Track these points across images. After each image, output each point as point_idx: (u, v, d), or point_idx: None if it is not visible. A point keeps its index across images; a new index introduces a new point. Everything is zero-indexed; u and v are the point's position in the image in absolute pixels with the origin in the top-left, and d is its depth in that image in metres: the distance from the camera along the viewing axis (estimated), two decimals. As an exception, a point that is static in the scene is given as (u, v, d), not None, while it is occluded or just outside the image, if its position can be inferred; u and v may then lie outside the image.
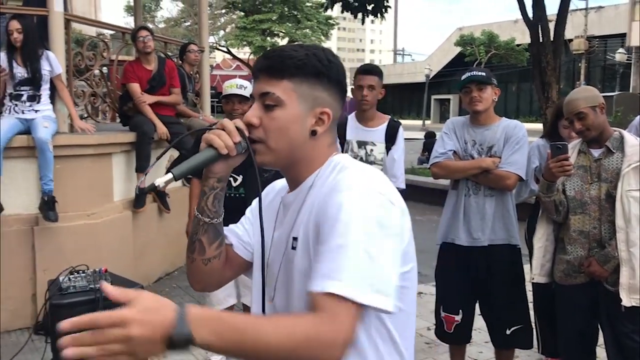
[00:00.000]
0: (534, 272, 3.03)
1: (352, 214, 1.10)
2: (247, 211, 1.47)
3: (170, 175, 1.16)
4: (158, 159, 1.39)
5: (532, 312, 3.53)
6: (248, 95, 3.65)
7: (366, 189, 1.15)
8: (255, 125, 1.23)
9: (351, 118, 3.67)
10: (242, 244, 1.41)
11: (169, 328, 0.95)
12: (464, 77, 3.18)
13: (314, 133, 1.25)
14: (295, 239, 1.24)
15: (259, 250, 1.35)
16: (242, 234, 1.42)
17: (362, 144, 3.60)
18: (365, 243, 1.08)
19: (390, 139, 3.58)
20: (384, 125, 3.62)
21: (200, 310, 0.99)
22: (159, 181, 1.16)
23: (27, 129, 4.54)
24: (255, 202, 1.41)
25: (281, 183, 1.42)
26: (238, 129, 1.22)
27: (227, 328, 0.98)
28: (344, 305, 1.03)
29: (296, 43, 1.48)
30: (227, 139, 1.21)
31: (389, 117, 3.71)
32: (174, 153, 5.83)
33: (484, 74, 3.16)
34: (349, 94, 3.43)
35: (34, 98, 4.62)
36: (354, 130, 3.60)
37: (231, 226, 1.43)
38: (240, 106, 3.64)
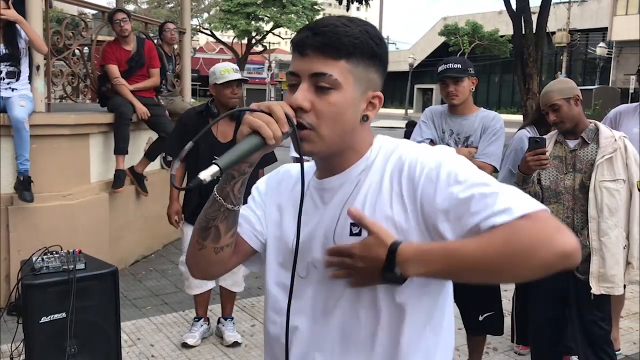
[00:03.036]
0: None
1: (455, 164, 1.10)
2: (256, 195, 1.36)
3: (216, 168, 1.01)
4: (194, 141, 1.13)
5: (507, 301, 3.58)
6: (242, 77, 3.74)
7: (444, 152, 1.14)
8: (307, 110, 1.10)
9: None
10: (254, 233, 1.31)
11: (380, 267, 1.06)
12: (440, 69, 3.20)
13: (365, 118, 1.16)
14: (355, 224, 1.14)
15: (277, 238, 1.29)
16: (255, 222, 1.31)
17: None
18: (485, 179, 1.07)
19: None
20: None
21: (411, 248, 1.05)
22: (205, 175, 1.00)
23: (2, 107, 4.46)
24: (263, 186, 1.36)
25: (296, 168, 1.31)
26: (287, 116, 1.08)
27: (434, 258, 1.03)
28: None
29: (340, 15, 1.29)
30: (276, 128, 1.06)
31: None
32: (152, 135, 5.79)
33: (459, 65, 3.17)
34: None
35: (14, 75, 4.54)
36: None
37: (242, 212, 1.29)
38: (238, 90, 3.67)
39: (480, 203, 1.03)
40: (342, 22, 1.12)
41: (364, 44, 1.12)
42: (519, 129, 3.60)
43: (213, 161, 1.02)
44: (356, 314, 1.17)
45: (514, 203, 1.01)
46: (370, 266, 1.07)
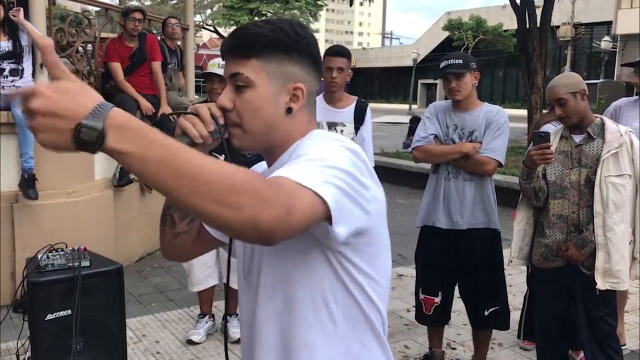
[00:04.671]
0: (513, 255, 3.07)
1: (312, 143, 1.14)
2: None
3: None
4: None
5: (512, 296, 3.58)
6: None
7: (346, 141, 1.15)
8: (229, 109, 1.19)
9: (320, 100, 3.68)
10: None
11: (80, 115, 0.85)
12: (441, 65, 3.18)
13: (289, 110, 1.21)
14: None
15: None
16: None
17: (332, 125, 3.61)
18: (324, 156, 1.06)
19: (359, 119, 3.62)
20: (352, 106, 3.65)
21: (128, 115, 0.89)
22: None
23: (7, 105, 4.47)
24: None
25: (264, 165, 1.37)
26: (212, 116, 1.16)
27: (155, 141, 0.88)
28: (299, 187, 0.97)
29: (263, 18, 1.37)
30: (201, 128, 1.15)
31: (357, 97, 3.73)
32: (156, 132, 5.79)
33: (461, 61, 3.15)
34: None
35: (17, 72, 4.55)
36: (323, 111, 3.60)
37: None
38: (220, 85, 3.64)
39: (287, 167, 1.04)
40: (257, 24, 1.20)
41: (274, 41, 1.18)
42: (543, 124, 3.59)
43: None
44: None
45: (302, 172, 1.00)
46: (64, 115, 0.85)
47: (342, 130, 3.60)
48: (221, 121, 1.17)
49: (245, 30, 1.20)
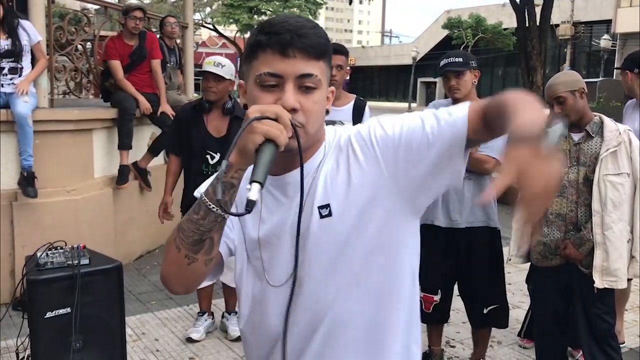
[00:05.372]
0: (511, 253, 3.07)
1: (386, 118, 1.22)
2: None
3: (258, 185, 1.02)
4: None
5: (511, 294, 3.58)
6: (224, 74, 3.62)
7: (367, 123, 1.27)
8: (298, 110, 1.14)
9: None
10: (226, 242, 1.29)
11: None
12: (441, 63, 3.19)
13: (327, 112, 1.25)
14: (323, 207, 1.20)
15: (242, 242, 1.30)
16: (228, 230, 1.29)
17: (330, 123, 3.59)
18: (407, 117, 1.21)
19: (357, 117, 3.62)
20: (351, 104, 3.65)
21: None
22: (255, 196, 1.01)
23: (6, 103, 4.47)
24: None
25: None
26: (290, 122, 1.09)
27: None
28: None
29: (292, 15, 1.33)
30: (286, 136, 1.07)
31: (355, 96, 3.73)
32: (155, 130, 5.80)
33: (461, 59, 3.15)
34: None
35: (16, 70, 4.55)
36: None
37: None
38: (214, 84, 3.62)
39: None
40: (309, 24, 1.17)
41: (328, 44, 1.20)
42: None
43: (252, 180, 1.03)
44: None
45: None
46: None
47: None
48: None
49: (309, 30, 1.15)
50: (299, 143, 1.11)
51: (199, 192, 1.27)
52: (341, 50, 3.60)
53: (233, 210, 1.19)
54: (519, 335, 3.91)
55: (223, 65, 3.62)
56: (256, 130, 1.05)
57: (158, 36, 6.22)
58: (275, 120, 1.06)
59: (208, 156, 3.62)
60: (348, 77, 3.66)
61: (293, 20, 1.17)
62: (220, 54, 4.74)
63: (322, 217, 1.20)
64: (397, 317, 1.26)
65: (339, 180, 1.21)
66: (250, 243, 1.29)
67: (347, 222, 1.19)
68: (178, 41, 6.74)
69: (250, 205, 1.01)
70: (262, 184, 1.03)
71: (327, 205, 1.19)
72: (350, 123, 3.61)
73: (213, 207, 1.12)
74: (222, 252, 1.28)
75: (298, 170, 1.19)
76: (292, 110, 1.12)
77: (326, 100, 1.24)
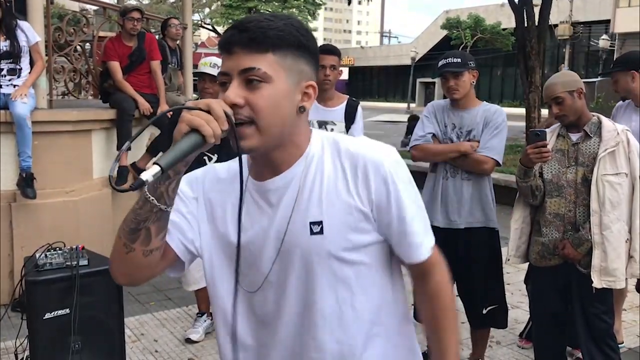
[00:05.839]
0: (510, 253, 3.07)
1: (406, 186, 1.23)
2: (182, 197, 1.28)
3: (157, 168, 1.02)
4: (131, 141, 1.20)
5: (510, 294, 3.59)
6: None
7: (394, 153, 1.25)
8: (241, 106, 1.11)
9: None
10: (182, 241, 1.27)
11: None
12: (439, 64, 3.19)
13: (302, 109, 1.17)
14: (315, 223, 1.19)
15: (212, 246, 1.28)
16: (186, 229, 1.27)
17: (322, 124, 3.61)
18: (418, 200, 1.28)
19: (350, 118, 3.61)
20: (343, 105, 3.65)
21: None
22: (147, 175, 1.01)
23: (4, 104, 4.47)
24: (185, 186, 1.29)
25: (220, 166, 1.31)
26: (226, 113, 1.07)
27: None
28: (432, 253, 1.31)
29: (263, 12, 1.31)
30: (216, 126, 1.05)
31: (347, 96, 3.73)
32: (154, 131, 5.80)
33: (459, 60, 3.15)
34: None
35: (14, 72, 4.55)
36: (313, 110, 3.60)
37: (172, 218, 1.23)
38: (211, 85, 3.63)
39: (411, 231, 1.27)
40: (266, 17, 1.14)
41: (289, 36, 1.13)
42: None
43: (153, 161, 1.03)
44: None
45: (424, 238, 1.30)
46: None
47: (332, 129, 3.59)
48: (233, 119, 1.10)
49: (258, 23, 1.13)
50: (236, 137, 1.09)
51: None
52: (334, 50, 3.61)
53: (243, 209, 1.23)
54: (520, 336, 3.91)
55: (219, 67, 3.62)
56: (183, 119, 1.07)
57: (158, 37, 6.22)
58: (207, 112, 1.06)
59: (205, 157, 3.62)
60: (346, 78, 3.65)
61: (255, 16, 1.16)
62: (219, 55, 4.72)
63: (312, 233, 1.19)
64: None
65: (340, 201, 1.20)
66: (226, 247, 1.27)
67: (337, 244, 1.20)
68: (178, 42, 6.74)
69: (137, 184, 1.00)
70: (162, 168, 1.02)
71: (320, 223, 1.19)
72: (343, 124, 3.60)
73: (149, 197, 1.14)
74: (177, 249, 1.26)
75: (280, 176, 1.21)
76: (235, 106, 1.10)
77: (295, 95, 1.16)
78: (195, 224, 1.29)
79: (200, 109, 1.06)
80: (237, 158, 1.13)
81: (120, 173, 5.28)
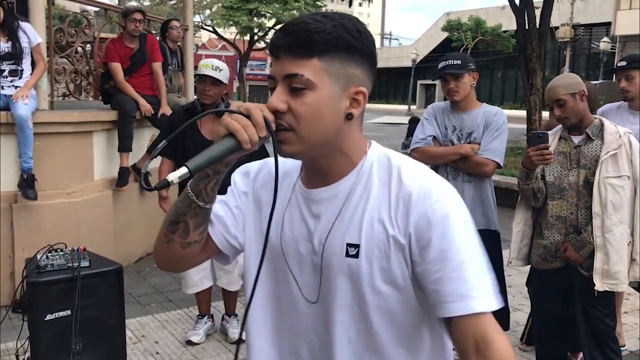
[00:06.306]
0: (512, 256, 3.07)
1: (460, 226, 1.08)
2: (233, 189, 1.29)
3: (184, 170, 1.00)
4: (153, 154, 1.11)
5: (512, 297, 3.58)
6: (222, 79, 3.62)
7: (454, 194, 1.12)
8: (284, 112, 1.07)
9: None
10: (224, 236, 1.26)
11: None
12: (440, 66, 3.18)
13: (349, 116, 1.11)
14: (352, 245, 1.12)
15: (252, 244, 1.26)
16: (230, 224, 1.26)
17: None
18: (477, 254, 1.08)
19: None
20: None
21: None
22: (173, 176, 0.99)
23: (6, 105, 4.47)
24: (240, 181, 1.29)
25: (288, 165, 1.24)
26: (265, 119, 1.04)
27: None
28: (488, 317, 1.06)
29: (318, 12, 1.23)
30: (253, 133, 1.03)
31: None
32: (155, 132, 5.79)
33: (459, 62, 3.15)
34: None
35: (16, 73, 4.55)
36: None
37: (217, 211, 1.24)
38: (211, 88, 3.61)
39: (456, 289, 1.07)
40: (315, 18, 1.08)
41: (337, 39, 1.07)
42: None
43: (184, 163, 1.02)
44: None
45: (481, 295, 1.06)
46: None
47: None
48: (273, 126, 1.06)
49: (305, 25, 1.07)
50: (275, 146, 1.07)
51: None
52: None
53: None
54: (520, 339, 3.90)
55: (221, 70, 3.62)
56: (222, 122, 1.06)
57: (158, 38, 6.22)
58: (247, 117, 1.04)
59: None
60: None
61: (304, 17, 1.10)
62: (220, 57, 4.71)
63: (347, 255, 1.13)
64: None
65: (379, 215, 1.12)
66: (271, 250, 1.22)
67: (370, 271, 1.12)
68: (179, 43, 6.75)
69: (162, 184, 0.99)
70: (190, 170, 1.01)
71: (357, 246, 1.12)
72: None
73: (189, 193, 1.14)
74: (218, 243, 1.26)
75: (326, 188, 1.17)
76: (278, 112, 1.07)
77: (341, 102, 1.10)
78: (241, 218, 1.27)
79: (240, 113, 1.05)
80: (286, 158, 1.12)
81: (121, 174, 5.28)
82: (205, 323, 3.97)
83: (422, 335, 1.17)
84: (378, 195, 1.13)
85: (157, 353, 3.76)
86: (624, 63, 3.65)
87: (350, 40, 1.08)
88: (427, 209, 1.08)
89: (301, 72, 1.06)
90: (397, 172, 1.14)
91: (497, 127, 3.16)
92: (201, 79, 3.63)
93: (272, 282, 1.24)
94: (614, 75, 3.75)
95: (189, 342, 3.86)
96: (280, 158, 1.10)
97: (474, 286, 1.05)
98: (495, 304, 1.06)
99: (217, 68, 3.60)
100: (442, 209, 1.08)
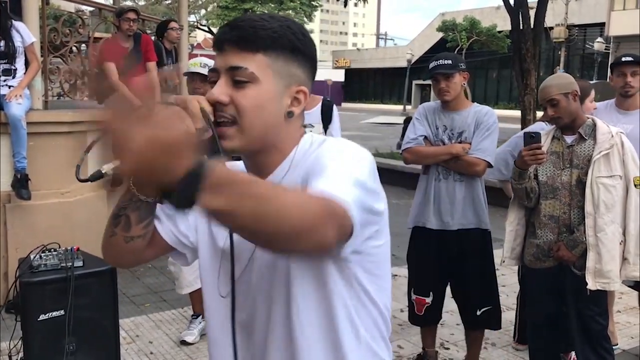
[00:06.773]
0: (505, 255, 3.08)
1: (333, 150, 1.08)
2: None
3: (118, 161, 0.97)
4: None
5: (505, 296, 3.60)
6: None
7: (357, 148, 1.11)
8: (225, 104, 1.07)
9: None
10: (175, 233, 1.26)
11: (174, 181, 0.83)
12: (430, 66, 3.19)
13: (290, 114, 1.12)
14: None
15: (205, 244, 1.25)
16: (180, 221, 1.26)
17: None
18: (347, 167, 1.04)
19: (326, 118, 3.61)
20: (319, 107, 3.64)
21: (223, 172, 0.86)
22: (107, 167, 0.96)
23: (-1, 105, 4.46)
24: None
25: (241, 166, 1.24)
26: (202, 110, 1.02)
27: (246, 194, 0.86)
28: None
29: (260, 12, 1.22)
30: (189, 124, 0.99)
31: (322, 97, 3.73)
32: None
33: (450, 62, 3.15)
34: (328, 78, 3.47)
35: (9, 72, 4.54)
36: None
37: (167, 208, 1.22)
38: (202, 85, 3.63)
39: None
40: (262, 17, 1.10)
41: (283, 38, 1.09)
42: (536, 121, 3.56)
43: None
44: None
45: (343, 190, 0.97)
46: (155, 179, 0.86)
47: (310, 131, 3.59)
48: (212, 117, 1.05)
49: (252, 22, 1.09)
50: (215, 137, 1.03)
51: None
52: None
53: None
54: (513, 338, 3.92)
55: (210, 67, 3.64)
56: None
57: (154, 38, 6.22)
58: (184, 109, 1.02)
59: None
60: (342, 80, 3.66)
61: (251, 15, 1.12)
62: (211, 56, 4.74)
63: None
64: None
65: None
66: (211, 249, 1.25)
67: (269, 258, 1.13)
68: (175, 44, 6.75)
69: (95, 175, 0.97)
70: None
71: None
72: (320, 125, 3.61)
73: (131, 186, 1.10)
74: (168, 239, 1.26)
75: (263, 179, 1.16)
76: (220, 104, 1.07)
77: (283, 99, 1.11)
78: (192, 218, 1.26)
79: (175, 104, 1.02)
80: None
81: (116, 174, 5.27)
82: (200, 323, 3.97)
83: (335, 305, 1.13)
84: (299, 172, 1.12)
85: (152, 353, 3.76)
86: (629, 58, 3.62)
87: (294, 42, 1.11)
88: (314, 157, 1.09)
89: (245, 65, 1.07)
90: (317, 143, 1.16)
91: (488, 126, 3.17)
92: (190, 77, 3.65)
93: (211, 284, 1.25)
94: (612, 71, 3.72)
95: (183, 342, 3.86)
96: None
97: (330, 175, 1.00)
98: (347, 200, 0.97)
99: (205, 65, 3.63)
100: (324, 152, 1.09)
